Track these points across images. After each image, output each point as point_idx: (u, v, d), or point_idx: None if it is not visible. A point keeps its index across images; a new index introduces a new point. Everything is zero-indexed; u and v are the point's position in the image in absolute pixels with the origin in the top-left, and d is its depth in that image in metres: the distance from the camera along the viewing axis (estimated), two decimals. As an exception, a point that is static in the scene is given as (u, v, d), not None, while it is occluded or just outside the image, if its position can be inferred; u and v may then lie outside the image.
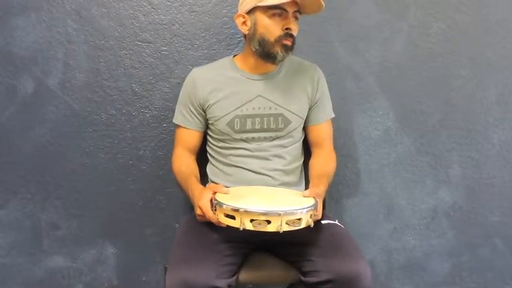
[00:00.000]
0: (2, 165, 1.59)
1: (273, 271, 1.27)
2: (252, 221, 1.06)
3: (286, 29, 1.26)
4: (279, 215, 1.05)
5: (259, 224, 1.05)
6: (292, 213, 1.07)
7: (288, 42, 1.27)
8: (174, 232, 1.63)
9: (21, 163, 1.59)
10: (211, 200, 1.16)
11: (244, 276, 1.23)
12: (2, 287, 1.63)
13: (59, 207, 1.62)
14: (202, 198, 1.18)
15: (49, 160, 1.60)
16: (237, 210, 1.06)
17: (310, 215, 1.10)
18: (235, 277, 1.18)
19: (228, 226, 1.11)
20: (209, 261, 1.14)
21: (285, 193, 1.27)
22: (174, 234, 1.35)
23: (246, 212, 1.06)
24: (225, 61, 1.42)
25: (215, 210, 1.12)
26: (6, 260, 1.63)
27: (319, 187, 1.26)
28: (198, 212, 1.21)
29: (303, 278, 1.20)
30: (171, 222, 1.65)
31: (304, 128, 1.45)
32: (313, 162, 1.43)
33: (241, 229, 1.06)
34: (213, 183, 1.37)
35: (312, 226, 1.11)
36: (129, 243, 1.66)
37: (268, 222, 1.05)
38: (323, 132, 1.44)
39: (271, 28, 1.27)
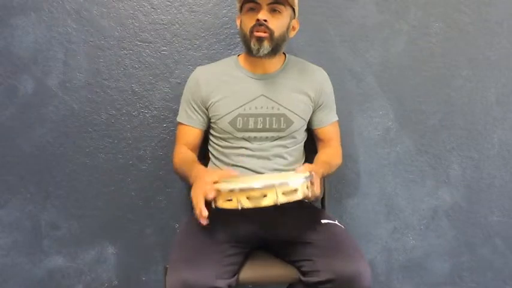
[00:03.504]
0: (2, 165, 1.59)
1: (273, 271, 1.27)
2: (248, 198, 1.05)
3: (257, 20, 1.27)
4: (274, 186, 1.05)
5: (256, 198, 1.05)
6: (286, 184, 1.06)
7: (260, 33, 1.27)
8: (174, 232, 1.64)
9: (21, 163, 1.59)
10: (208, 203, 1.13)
11: (244, 276, 1.23)
12: (2, 287, 1.63)
13: (59, 207, 1.62)
14: (196, 187, 1.14)
15: (49, 160, 1.60)
16: (232, 190, 1.06)
17: (307, 186, 1.10)
18: (235, 277, 1.18)
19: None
20: (209, 261, 1.14)
21: (281, 173, 1.30)
22: (174, 234, 1.35)
23: (241, 190, 1.05)
24: (230, 60, 1.43)
25: (215, 202, 1.11)
26: (6, 260, 1.63)
27: (316, 165, 1.26)
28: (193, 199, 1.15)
29: (302, 278, 1.20)
30: (171, 222, 1.65)
31: (311, 130, 1.46)
32: (318, 154, 1.45)
33: (240, 208, 1.05)
34: (217, 169, 1.36)
35: (310, 198, 1.11)
36: (129, 243, 1.66)
37: (264, 195, 1.05)
38: (329, 133, 1.46)
39: (246, 22, 1.30)
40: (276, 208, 1.34)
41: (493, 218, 1.76)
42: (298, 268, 1.22)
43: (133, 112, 1.61)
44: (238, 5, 1.35)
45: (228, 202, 1.07)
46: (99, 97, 1.60)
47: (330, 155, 1.43)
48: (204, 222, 1.10)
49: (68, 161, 1.61)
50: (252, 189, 1.05)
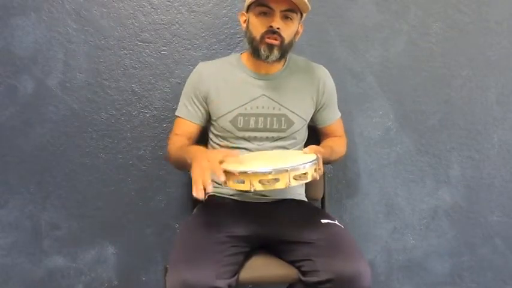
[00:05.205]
0: (2, 165, 1.59)
1: (273, 271, 1.27)
2: (260, 181, 1.07)
3: (270, 26, 1.26)
4: (286, 171, 1.07)
5: (268, 182, 1.07)
6: (298, 168, 1.09)
7: (272, 41, 1.27)
8: (174, 232, 1.64)
9: (21, 163, 1.59)
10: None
11: (244, 276, 1.23)
12: (2, 287, 1.63)
13: (59, 207, 1.62)
14: (200, 164, 1.09)
15: (49, 160, 1.60)
16: (245, 173, 1.07)
17: (315, 169, 1.13)
18: (235, 277, 1.18)
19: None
20: (209, 261, 1.14)
21: (286, 153, 1.31)
22: (174, 234, 1.35)
23: (254, 173, 1.07)
24: (232, 58, 1.42)
25: (225, 182, 1.12)
26: (6, 260, 1.63)
27: (320, 147, 1.26)
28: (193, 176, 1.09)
29: (302, 278, 1.20)
30: (171, 222, 1.65)
31: (314, 127, 1.47)
32: (324, 141, 1.48)
33: (252, 191, 1.07)
34: (224, 149, 1.34)
35: (317, 179, 1.14)
36: (129, 243, 1.66)
37: (277, 180, 1.07)
38: (334, 129, 1.49)
39: (256, 26, 1.29)
40: (276, 208, 1.35)
41: (493, 218, 1.76)
42: (298, 268, 1.22)
43: (133, 112, 1.61)
44: (245, 4, 1.32)
45: (240, 184, 1.09)
46: (99, 97, 1.60)
47: (335, 142, 1.45)
48: (203, 195, 1.05)
49: (68, 161, 1.61)
50: (266, 173, 1.07)
